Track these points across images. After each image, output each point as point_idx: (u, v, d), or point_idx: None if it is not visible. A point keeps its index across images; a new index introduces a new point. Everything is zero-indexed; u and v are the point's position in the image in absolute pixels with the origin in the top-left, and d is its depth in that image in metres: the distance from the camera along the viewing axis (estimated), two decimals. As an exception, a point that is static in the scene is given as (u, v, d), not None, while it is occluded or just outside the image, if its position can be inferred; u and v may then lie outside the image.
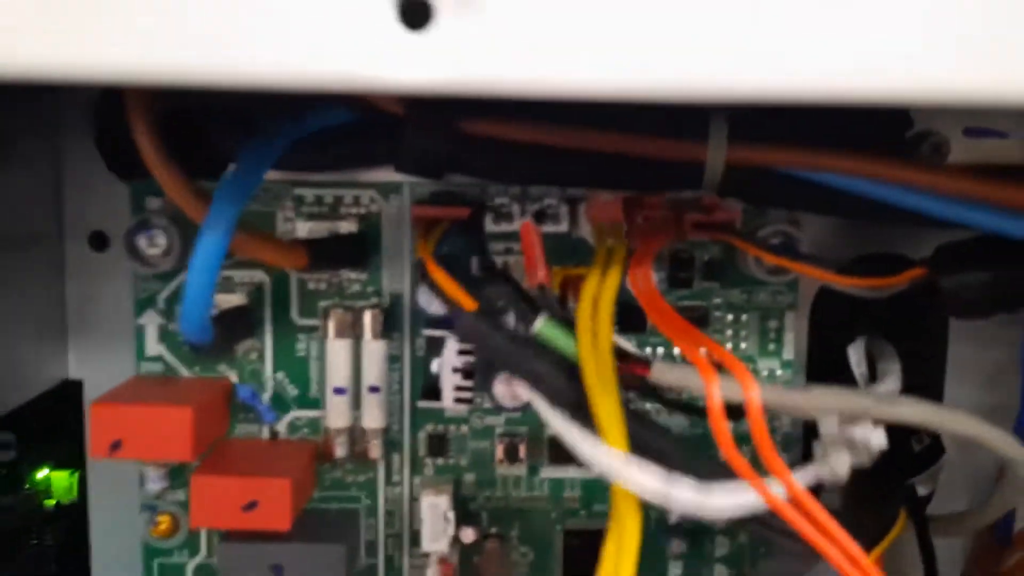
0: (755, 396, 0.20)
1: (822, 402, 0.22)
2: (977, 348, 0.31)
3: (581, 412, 0.22)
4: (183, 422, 0.26)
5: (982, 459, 0.31)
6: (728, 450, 0.20)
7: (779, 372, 0.30)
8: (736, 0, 0.16)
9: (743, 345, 0.29)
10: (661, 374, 0.22)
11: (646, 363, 0.22)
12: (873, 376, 0.28)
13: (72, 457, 0.36)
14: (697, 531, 0.30)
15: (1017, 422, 0.27)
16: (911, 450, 0.31)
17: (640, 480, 0.21)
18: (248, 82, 0.16)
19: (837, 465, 0.25)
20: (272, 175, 0.27)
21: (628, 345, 0.23)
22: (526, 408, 0.25)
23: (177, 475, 0.29)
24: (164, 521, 0.30)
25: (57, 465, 0.39)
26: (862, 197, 0.25)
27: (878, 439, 0.25)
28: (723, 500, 0.21)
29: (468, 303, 0.23)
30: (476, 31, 0.16)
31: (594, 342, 0.21)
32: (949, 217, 0.24)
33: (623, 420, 0.21)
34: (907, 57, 0.16)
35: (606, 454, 0.21)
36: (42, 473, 0.41)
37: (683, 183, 0.27)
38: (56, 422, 0.35)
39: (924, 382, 0.31)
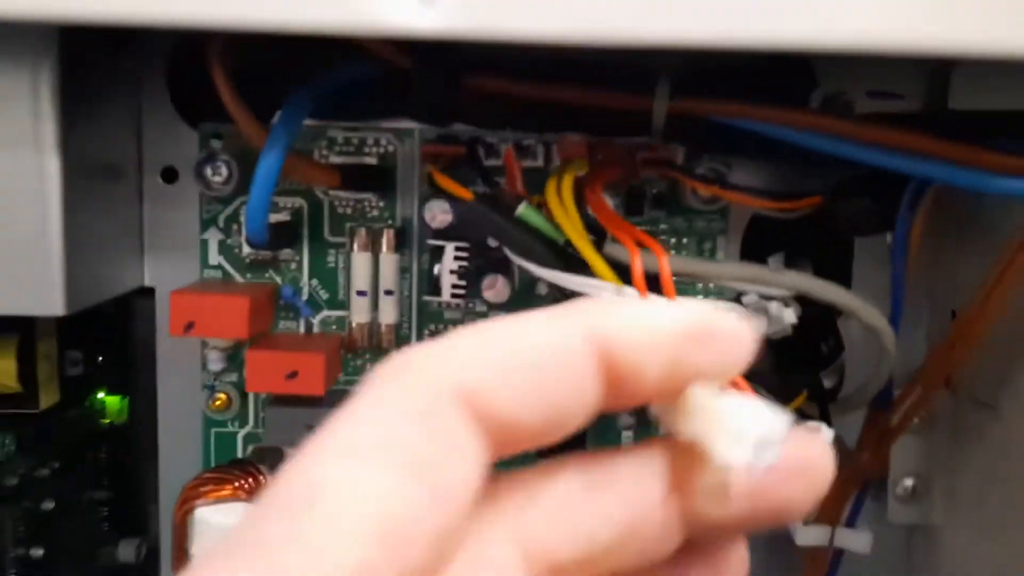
0: (664, 262, 0.27)
1: (721, 270, 0.30)
2: (876, 263, 0.38)
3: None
4: (241, 308, 0.33)
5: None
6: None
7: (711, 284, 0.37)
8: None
9: (684, 251, 0.37)
10: (608, 249, 0.29)
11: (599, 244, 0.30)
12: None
13: (125, 384, 0.44)
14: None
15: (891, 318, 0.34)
16: (819, 350, 0.38)
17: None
18: (306, 29, 0.23)
19: (782, 316, 0.32)
20: (309, 121, 0.35)
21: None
22: (507, 304, 0.33)
23: (232, 359, 0.37)
24: (221, 398, 0.37)
25: (111, 390, 0.46)
26: (776, 140, 0.33)
27: (789, 315, 0.32)
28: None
29: (467, 195, 0.30)
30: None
31: (566, 210, 0.29)
32: (845, 155, 0.31)
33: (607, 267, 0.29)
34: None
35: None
36: (99, 395, 0.48)
37: (635, 130, 0.34)
38: (119, 349, 0.43)
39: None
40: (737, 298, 0.32)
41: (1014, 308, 0.34)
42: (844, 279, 0.38)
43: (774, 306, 0.32)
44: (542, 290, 0.36)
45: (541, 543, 0.16)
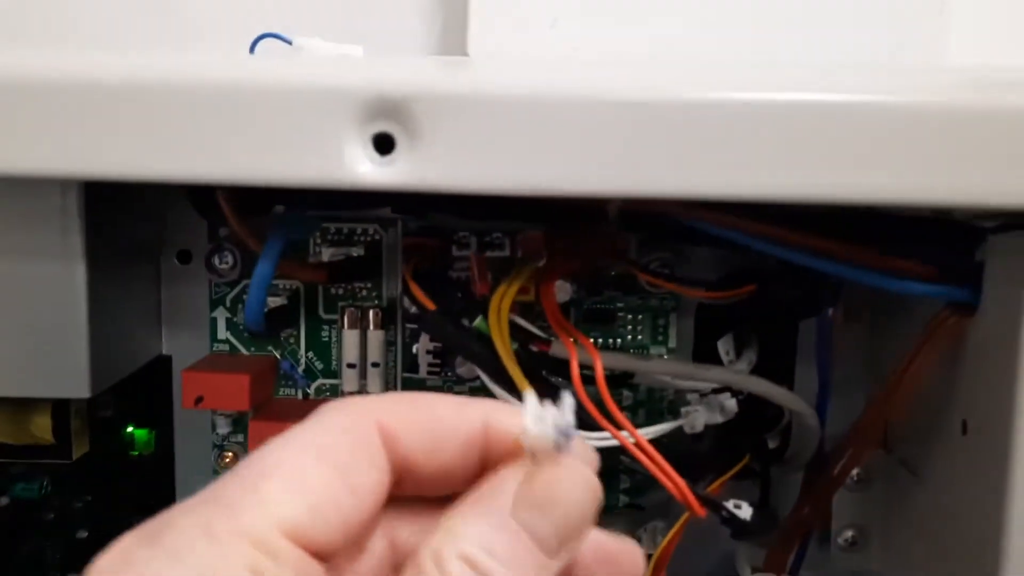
0: (598, 362, 0.31)
1: (651, 365, 0.34)
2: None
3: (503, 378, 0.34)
4: (243, 384, 0.38)
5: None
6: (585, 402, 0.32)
7: (665, 355, 0.41)
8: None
9: (639, 336, 0.41)
10: (554, 349, 0.34)
11: (548, 343, 0.34)
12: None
13: (152, 418, 0.48)
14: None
15: (819, 397, 0.38)
16: (763, 414, 0.42)
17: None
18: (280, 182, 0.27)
19: (695, 420, 0.36)
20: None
21: (536, 330, 0.34)
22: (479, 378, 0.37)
23: (237, 424, 0.41)
24: (229, 456, 0.42)
25: (139, 424, 0.51)
26: (720, 236, 0.36)
27: (731, 404, 0.37)
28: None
29: (430, 305, 0.35)
30: (422, 156, 0.27)
31: (500, 329, 0.33)
32: (777, 255, 0.35)
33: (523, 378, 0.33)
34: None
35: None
36: (128, 429, 0.53)
37: (591, 218, 0.39)
38: (145, 391, 0.47)
39: (778, 365, 0.42)
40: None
41: (929, 384, 0.37)
42: (789, 353, 0.42)
43: (721, 398, 0.36)
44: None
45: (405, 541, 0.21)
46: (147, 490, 0.49)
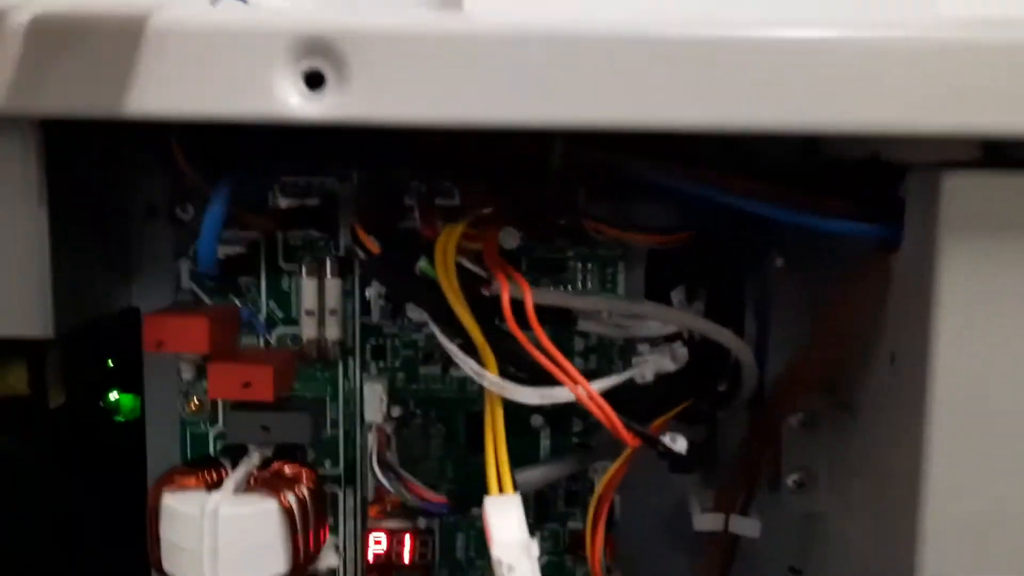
0: (528, 295, 0.32)
1: (584, 302, 0.35)
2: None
3: (452, 323, 0.35)
4: (202, 327, 0.39)
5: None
6: (523, 341, 0.33)
7: (614, 294, 0.42)
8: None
9: (588, 285, 0.42)
10: (493, 289, 0.35)
11: (488, 283, 0.35)
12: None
13: (137, 384, 0.50)
14: (556, 413, 0.43)
15: (758, 336, 0.39)
16: (712, 361, 0.43)
17: (497, 383, 0.34)
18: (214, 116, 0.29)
19: (645, 370, 0.38)
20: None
21: (476, 269, 0.36)
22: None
23: (201, 372, 0.43)
24: (194, 403, 0.44)
25: (124, 389, 0.53)
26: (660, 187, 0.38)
27: (682, 351, 0.38)
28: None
29: (375, 249, 0.36)
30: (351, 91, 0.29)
31: (446, 269, 0.34)
32: (713, 200, 0.36)
33: (486, 340, 0.34)
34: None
35: (475, 366, 0.34)
36: (113, 395, 0.55)
37: (538, 174, 0.40)
38: (124, 354, 0.48)
39: (726, 316, 0.43)
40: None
41: (861, 320, 0.39)
42: (737, 304, 0.43)
43: (671, 345, 0.37)
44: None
45: None
46: (133, 456, 0.51)
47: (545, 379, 0.35)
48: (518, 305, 0.34)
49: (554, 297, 0.35)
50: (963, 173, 0.30)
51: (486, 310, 0.35)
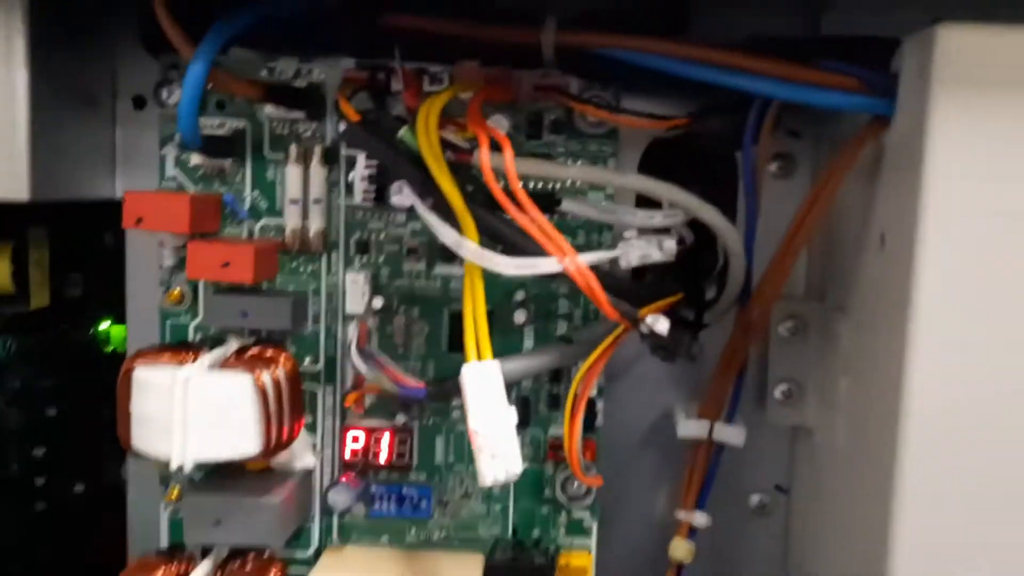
0: (509, 154, 0.32)
1: (567, 171, 0.34)
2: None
3: (436, 198, 0.35)
4: (183, 204, 0.39)
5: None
6: (505, 204, 0.33)
7: (603, 201, 0.42)
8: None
9: (579, 183, 0.42)
10: (475, 157, 0.34)
11: (470, 152, 0.35)
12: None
13: (121, 311, 0.49)
14: (540, 301, 0.42)
15: (747, 220, 0.38)
16: (702, 263, 0.43)
17: (475, 252, 0.33)
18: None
19: (630, 253, 0.37)
20: (250, 53, 0.40)
21: (459, 141, 0.35)
22: (413, 207, 0.38)
23: (182, 262, 0.42)
24: (174, 293, 0.43)
25: (117, 321, 0.52)
26: (651, 69, 0.37)
27: (670, 244, 0.37)
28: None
29: (354, 116, 0.35)
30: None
31: (428, 135, 0.34)
32: (699, 77, 0.36)
33: (467, 207, 0.33)
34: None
35: (454, 235, 0.34)
36: (104, 325, 0.54)
37: (528, 61, 0.39)
38: (117, 277, 0.48)
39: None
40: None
41: (849, 216, 0.38)
42: (730, 197, 0.42)
43: (659, 236, 0.37)
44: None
45: None
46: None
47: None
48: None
49: (536, 167, 0.35)
50: (957, 26, 0.29)
51: (465, 179, 0.35)
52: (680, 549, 0.42)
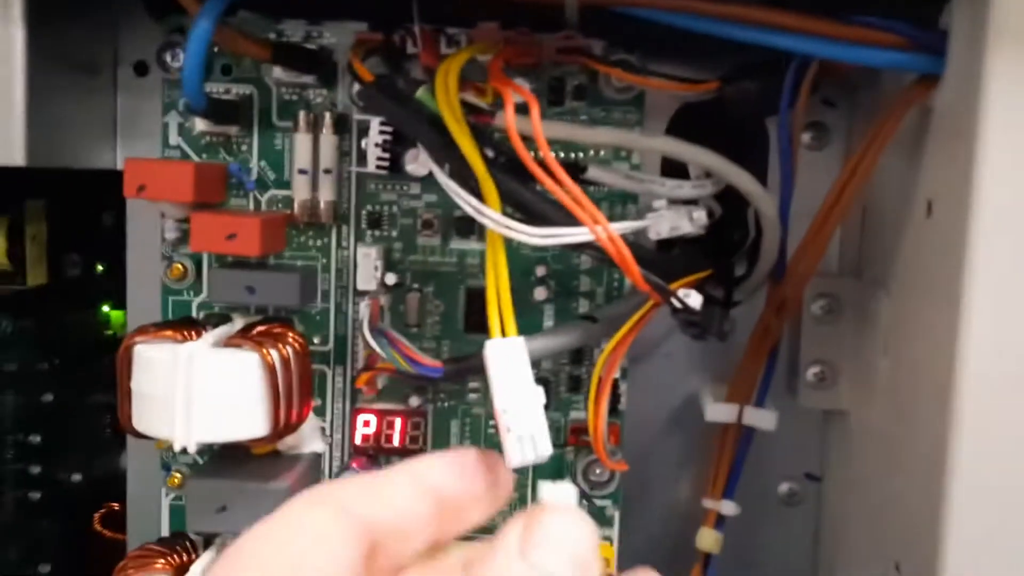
0: (535, 112, 0.30)
1: (595, 135, 0.32)
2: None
3: (455, 163, 0.33)
4: (187, 173, 0.37)
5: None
6: (533, 169, 0.31)
7: (628, 168, 0.40)
8: None
9: (602, 152, 0.40)
10: (499, 119, 0.32)
11: (491, 114, 0.33)
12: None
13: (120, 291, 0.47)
14: (561, 277, 0.40)
15: (782, 188, 0.36)
16: (731, 238, 0.41)
17: (498, 220, 0.31)
18: None
19: (660, 224, 0.35)
20: (256, 16, 0.38)
21: (479, 102, 0.33)
22: (429, 176, 0.36)
23: (186, 236, 0.40)
24: (177, 268, 0.41)
25: (117, 305, 0.51)
26: (685, 30, 0.35)
27: (700, 215, 0.35)
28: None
29: (368, 77, 0.33)
30: None
31: (448, 95, 0.32)
32: (748, 40, 0.33)
33: (488, 171, 0.31)
34: None
35: (475, 203, 0.32)
36: (104, 308, 0.52)
37: (550, 22, 0.37)
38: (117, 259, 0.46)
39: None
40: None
41: (890, 184, 0.36)
42: (761, 163, 0.40)
43: (689, 207, 0.35)
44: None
45: None
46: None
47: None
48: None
49: (563, 129, 0.33)
50: (1018, -25, 0.27)
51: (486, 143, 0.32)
52: (707, 539, 0.40)
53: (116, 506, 0.48)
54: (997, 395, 0.28)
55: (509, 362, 0.30)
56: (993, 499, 0.29)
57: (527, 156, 0.30)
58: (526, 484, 0.42)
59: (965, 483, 0.29)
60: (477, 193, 0.32)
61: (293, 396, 0.36)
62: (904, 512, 0.33)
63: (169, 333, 0.36)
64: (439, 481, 0.24)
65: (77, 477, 0.51)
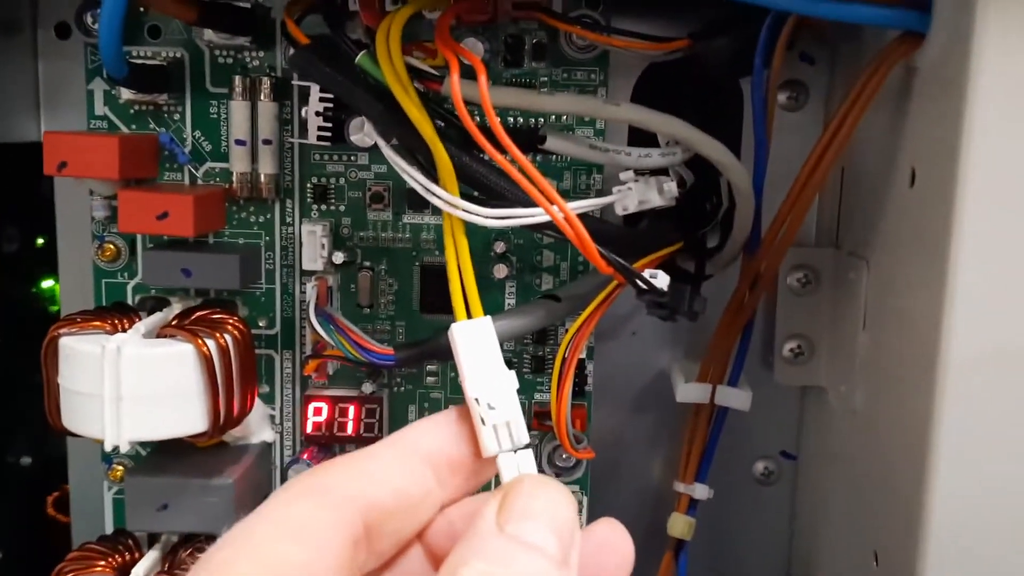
0: (483, 80, 0.27)
1: (552, 102, 0.30)
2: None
3: (404, 134, 0.30)
4: (111, 147, 0.34)
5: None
6: (482, 142, 0.28)
7: (592, 135, 0.37)
8: None
9: (564, 117, 0.37)
10: (445, 87, 0.29)
11: (440, 80, 0.30)
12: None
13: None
14: (522, 253, 0.38)
15: (756, 155, 0.34)
16: (703, 209, 0.38)
17: (448, 200, 0.28)
18: None
19: (627, 199, 0.32)
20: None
21: (425, 67, 0.30)
22: (373, 148, 0.33)
23: (116, 213, 0.37)
24: (109, 249, 0.38)
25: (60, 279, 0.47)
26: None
27: (670, 187, 0.32)
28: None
29: (302, 39, 0.30)
30: None
31: (390, 55, 0.29)
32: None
33: (439, 139, 0.29)
34: None
35: (423, 180, 0.29)
36: (48, 283, 0.49)
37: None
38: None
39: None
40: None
41: (871, 150, 0.33)
42: (734, 131, 0.38)
43: (660, 180, 0.32)
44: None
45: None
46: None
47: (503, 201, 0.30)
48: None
49: (516, 97, 0.30)
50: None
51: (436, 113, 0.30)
52: (679, 525, 0.38)
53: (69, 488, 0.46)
54: (983, 372, 0.27)
55: (477, 345, 0.27)
56: (978, 480, 0.27)
57: (475, 128, 0.28)
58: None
59: (949, 463, 0.27)
60: (426, 169, 0.29)
61: (234, 387, 0.34)
62: (884, 493, 0.31)
63: (97, 323, 0.33)
64: (430, 446, 0.22)
65: (27, 460, 0.49)
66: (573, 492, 0.39)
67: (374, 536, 0.20)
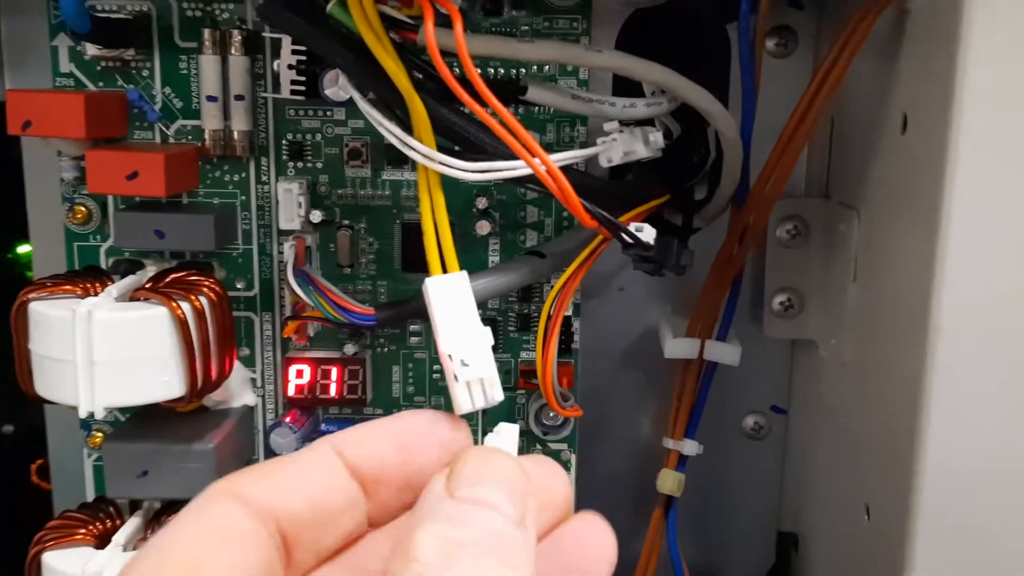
0: (459, 26, 0.26)
1: (532, 51, 0.29)
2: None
3: (380, 87, 0.29)
4: (77, 105, 0.32)
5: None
6: (459, 93, 0.27)
7: (575, 85, 0.36)
8: None
9: (547, 68, 0.36)
10: (420, 36, 0.28)
11: (415, 29, 0.29)
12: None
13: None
14: (505, 209, 0.37)
15: (744, 103, 0.33)
16: (691, 160, 0.37)
17: (426, 153, 0.27)
18: None
19: (611, 150, 0.31)
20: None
21: (401, 16, 0.29)
22: (350, 102, 0.32)
23: (85, 175, 0.36)
24: (80, 211, 0.37)
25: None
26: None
27: (656, 137, 0.31)
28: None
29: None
30: None
31: (363, 8, 0.27)
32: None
33: (416, 91, 0.27)
34: None
35: (399, 133, 0.28)
36: (23, 248, 0.48)
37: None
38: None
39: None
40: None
41: (861, 97, 0.33)
42: (722, 84, 0.37)
43: (646, 130, 0.31)
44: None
45: None
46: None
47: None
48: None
49: (494, 45, 0.29)
50: None
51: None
52: (669, 481, 0.37)
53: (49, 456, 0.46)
54: (977, 323, 0.26)
55: (452, 300, 0.26)
56: (969, 432, 0.27)
57: (451, 78, 0.26)
58: (476, 429, 0.39)
59: (941, 415, 0.27)
60: (404, 123, 0.28)
61: (211, 350, 0.33)
62: (875, 446, 0.31)
63: (68, 287, 0.32)
64: (356, 453, 0.21)
65: (8, 428, 0.49)
66: (561, 451, 0.39)
67: (291, 545, 0.19)
